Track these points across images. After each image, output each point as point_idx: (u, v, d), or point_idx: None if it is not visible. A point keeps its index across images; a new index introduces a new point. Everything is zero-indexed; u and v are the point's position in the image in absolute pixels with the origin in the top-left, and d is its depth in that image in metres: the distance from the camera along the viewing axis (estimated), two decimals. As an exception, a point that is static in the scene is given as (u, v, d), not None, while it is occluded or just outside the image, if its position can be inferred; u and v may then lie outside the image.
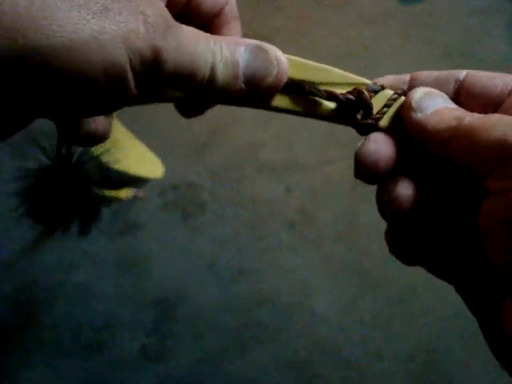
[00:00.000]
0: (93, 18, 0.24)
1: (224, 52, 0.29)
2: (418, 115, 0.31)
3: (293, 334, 1.03)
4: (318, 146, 1.23)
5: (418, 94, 0.32)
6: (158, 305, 1.05)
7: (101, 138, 0.31)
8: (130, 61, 0.25)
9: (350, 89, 0.33)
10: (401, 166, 0.32)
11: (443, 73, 0.33)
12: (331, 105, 0.33)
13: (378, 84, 0.34)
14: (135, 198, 1.13)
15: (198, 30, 0.29)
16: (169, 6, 0.31)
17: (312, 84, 0.33)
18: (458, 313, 1.02)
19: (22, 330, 1.02)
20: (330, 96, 0.33)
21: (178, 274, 1.08)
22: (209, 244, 1.12)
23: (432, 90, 0.32)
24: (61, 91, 0.25)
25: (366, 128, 0.33)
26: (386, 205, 0.32)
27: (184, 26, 0.28)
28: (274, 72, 0.31)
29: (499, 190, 0.26)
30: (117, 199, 1.11)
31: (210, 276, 1.08)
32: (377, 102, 0.33)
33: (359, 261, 1.09)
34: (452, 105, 0.32)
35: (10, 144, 1.11)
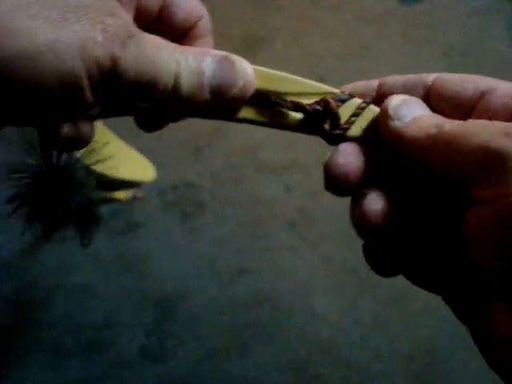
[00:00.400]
0: (48, 27, 0.24)
1: (190, 61, 0.29)
2: (396, 123, 0.30)
3: (293, 334, 1.03)
4: (318, 145, 1.23)
5: (395, 101, 0.31)
6: (157, 305, 1.05)
7: (82, 142, 0.31)
8: (86, 70, 0.25)
9: (317, 99, 0.33)
10: (372, 178, 0.31)
11: (411, 77, 0.33)
12: (298, 115, 0.33)
13: (346, 93, 0.33)
14: (135, 198, 1.13)
15: (164, 39, 0.29)
16: (139, 17, 0.31)
17: (279, 95, 0.32)
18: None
19: (22, 329, 1.02)
20: (297, 107, 0.32)
21: (178, 274, 1.08)
22: (208, 244, 1.12)
23: (409, 97, 0.31)
24: (15, 100, 0.25)
25: (335, 138, 0.33)
26: (357, 219, 0.31)
27: (148, 35, 0.28)
28: (240, 83, 0.30)
29: (486, 199, 0.25)
30: (116, 200, 1.11)
31: (209, 276, 1.08)
32: (345, 111, 0.32)
33: (359, 261, 1.09)
34: (430, 112, 0.31)
35: (4, 145, 1.11)
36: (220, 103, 0.30)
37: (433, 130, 0.28)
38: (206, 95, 0.29)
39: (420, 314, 1.04)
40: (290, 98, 0.33)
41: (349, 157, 0.31)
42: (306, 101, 0.33)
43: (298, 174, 1.20)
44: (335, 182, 0.31)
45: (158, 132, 0.38)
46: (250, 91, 0.31)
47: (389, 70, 1.59)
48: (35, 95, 0.25)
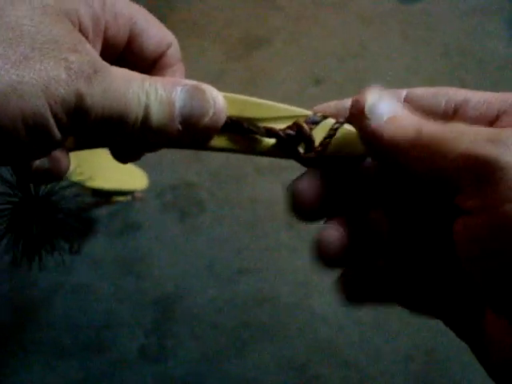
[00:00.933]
0: (11, 68, 0.24)
1: (159, 92, 0.29)
2: (373, 124, 0.29)
3: (292, 334, 1.03)
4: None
5: (371, 98, 0.29)
6: (157, 305, 1.05)
7: (57, 174, 0.30)
8: (51, 108, 0.25)
9: (290, 123, 0.33)
10: (337, 205, 0.31)
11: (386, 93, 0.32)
12: (272, 141, 0.33)
13: (319, 114, 0.33)
14: (134, 198, 1.13)
15: (132, 71, 0.29)
16: (107, 49, 0.31)
17: (251, 121, 0.32)
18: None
19: (21, 330, 1.02)
20: (270, 133, 0.32)
21: (177, 274, 1.08)
22: (208, 244, 1.12)
23: (383, 92, 0.30)
24: None
25: (310, 161, 0.33)
26: (315, 250, 0.31)
27: (115, 68, 0.28)
28: (211, 111, 0.30)
29: (475, 209, 0.24)
30: (115, 202, 1.11)
31: (209, 276, 1.08)
32: (319, 133, 0.32)
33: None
34: (406, 110, 0.30)
35: None
36: (191, 133, 0.30)
37: (411, 132, 0.27)
38: (177, 126, 0.29)
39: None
40: (262, 124, 0.32)
41: (304, 185, 0.31)
42: (278, 125, 0.32)
43: (298, 174, 1.20)
44: (294, 207, 0.31)
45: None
46: (222, 120, 0.31)
47: (388, 69, 1.59)
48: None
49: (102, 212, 1.13)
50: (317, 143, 0.32)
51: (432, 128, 0.27)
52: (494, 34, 1.49)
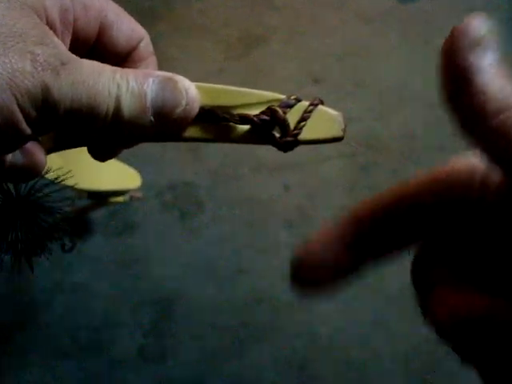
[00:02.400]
0: None
1: (131, 84, 0.28)
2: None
3: (291, 334, 1.03)
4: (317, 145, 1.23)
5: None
6: (156, 305, 1.05)
7: (32, 172, 0.30)
8: (17, 101, 0.25)
9: (263, 108, 0.32)
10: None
11: None
12: (246, 127, 0.32)
13: (293, 97, 0.32)
14: (132, 198, 1.13)
15: (102, 63, 0.28)
16: (77, 43, 0.30)
17: (225, 109, 0.32)
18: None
19: (20, 330, 1.02)
20: (244, 119, 0.32)
21: (176, 274, 1.08)
22: (207, 243, 1.12)
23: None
24: None
25: (286, 145, 0.32)
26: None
27: (85, 61, 0.27)
28: (183, 102, 0.30)
29: None
30: (113, 203, 1.11)
31: (208, 276, 1.08)
32: (294, 116, 0.32)
33: (358, 260, 1.09)
34: None
35: None
36: (164, 125, 0.29)
37: None
38: (149, 117, 0.29)
39: (420, 313, 1.04)
40: (236, 111, 0.32)
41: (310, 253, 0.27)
42: (252, 111, 0.32)
43: (297, 174, 1.20)
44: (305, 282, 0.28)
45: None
46: (195, 110, 0.30)
47: (387, 68, 1.59)
48: None
49: (100, 212, 1.13)
50: (292, 127, 0.32)
51: None
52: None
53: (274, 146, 0.33)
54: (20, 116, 0.25)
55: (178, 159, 1.22)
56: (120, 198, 1.10)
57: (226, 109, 0.32)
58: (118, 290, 1.06)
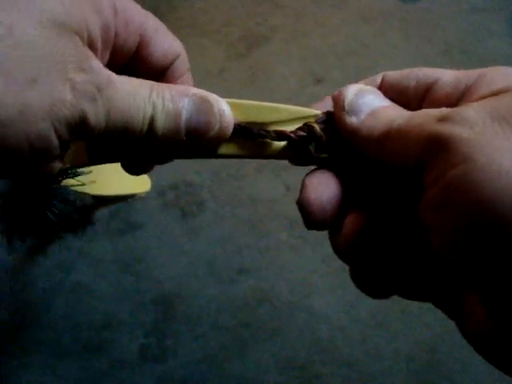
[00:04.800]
0: (19, 91, 0.24)
1: (166, 103, 0.29)
2: (353, 119, 0.30)
3: (293, 334, 1.03)
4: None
5: (350, 93, 0.31)
6: (157, 305, 1.05)
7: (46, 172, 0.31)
8: (56, 130, 0.25)
9: (299, 124, 0.32)
10: (349, 199, 0.31)
11: (365, 82, 0.33)
12: (282, 143, 0.32)
13: (326, 111, 0.32)
14: (134, 197, 1.13)
15: (139, 79, 0.29)
16: (116, 56, 0.31)
17: (260, 125, 0.32)
18: (458, 312, 1.01)
19: (21, 330, 1.02)
20: (281, 136, 0.32)
21: (178, 274, 1.08)
22: (208, 243, 1.12)
23: (364, 86, 0.31)
24: None
25: (322, 161, 0.32)
26: (345, 250, 0.31)
27: (121, 80, 0.28)
28: (217, 126, 0.30)
29: (433, 180, 0.25)
30: (116, 200, 1.11)
31: (209, 275, 1.08)
32: (328, 132, 0.32)
33: (359, 260, 1.09)
34: (385, 101, 0.31)
35: None
36: (197, 145, 0.30)
37: (384, 127, 0.28)
38: (183, 137, 0.29)
39: (420, 313, 1.04)
40: (271, 128, 0.32)
41: (319, 189, 0.31)
42: (287, 127, 0.32)
43: (299, 174, 1.19)
44: (313, 218, 0.31)
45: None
46: (228, 133, 0.31)
47: (389, 68, 1.58)
48: (4, 157, 0.25)
49: (102, 211, 1.13)
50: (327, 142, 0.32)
51: (401, 120, 0.28)
52: (495, 32, 1.49)
53: (309, 161, 0.33)
54: (56, 142, 0.26)
55: (180, 159, 1.22)
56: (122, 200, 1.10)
57: (261, 125, 0.32)
58: (119, 290, 1.06)
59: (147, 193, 1.15)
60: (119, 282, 1.07)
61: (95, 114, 0.26)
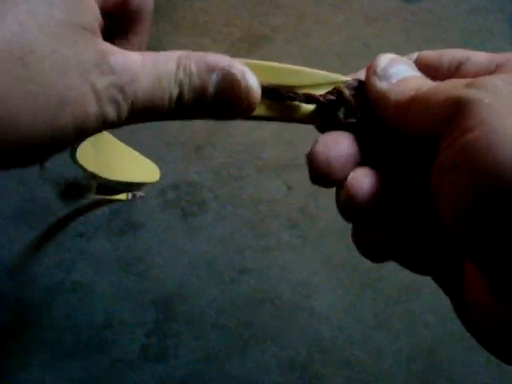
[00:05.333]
0: (52, 116, 0.25)
1: (193, 80, 0.29)
2: (383, 84, 0.31)
3: (294, 334, 1.02)
4: (319, 144, 1.22)
5: (384, 60, 0.32)
6: (158, 304, 1.05)
7: None
8: (80, 132, 0.27)
9: (329, 89, 0.32)
10: (361, 162, 0.31)
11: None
12: (310, 107, 0.32)
13: (357, 79, 0.33)
14: (135, 196, 1.13)
15: (166, 54, 0.29)
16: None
17: (289, 88, 0.32)
18: (459, 312, 1.01)
19: (21, 330, 1.02)
20: (310, 99, 0.32)
21: (179, 274, 1.08)
22: (209, 243, 1.12)
23: (397, 56, 0.32)
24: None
25: (350, 126, 0.32)
26: (343, 202, 0.31)
27: (145, 71, 0.28)
28: (244, 103, 0.30)
29: (448, 144, 0.25)
30: (117, 200, 1.11)
31: (210, 275, 1.08)
32: (357, 98, 0.33)
33: (360, 260, 1.09)
34: (416, 72, 0.31)
35: None
36: (223, 116, 0.31)
37: (412, 93, 0.29)
38: (209, 111, 0.30)
39: (422, 313, 1.04)
40: (301, 91, 0.32)
41: (329, 144, 0.31)
42: (317, 92, 0.32)
43: (300, 173, 1.20)
44: (318, 171, 0.31)
45: (158, 131, 0.38)
46: (254, 108, 0.31)
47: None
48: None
49: (103, 211, 1.13)
50: (356, 109, 0.32)
51: (429, 86, 0.28)
52: (496, 33, 1.49)
53: (336, 127, 0.32)
54: (77, 141, 0.27)
55: (181, 158, 1.22)
56: (123, 196, 1.10)
57: (289, 88, 0.32)
58: (120, 290, 1.06)
59: (147, 192, 1.15)
60: (120, 282, 1.07)
61: (118, 113, 0.27)
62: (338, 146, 0.31)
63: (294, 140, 1.23)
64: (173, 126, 1.22)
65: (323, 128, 0.34)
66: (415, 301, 1.04)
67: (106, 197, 1.05)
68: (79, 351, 1.00)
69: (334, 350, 1.01)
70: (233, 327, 1.03)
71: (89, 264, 1.09)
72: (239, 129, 1.26)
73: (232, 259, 1.10)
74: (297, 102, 0.32)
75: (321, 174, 0.31)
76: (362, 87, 0.32)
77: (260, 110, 0.32)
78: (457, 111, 0.25)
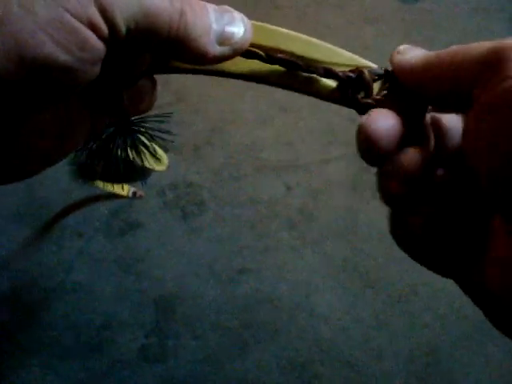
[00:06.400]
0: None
1: (193, 6, 0.29)
2: (405, 56, 0.32)
3: (293, 334, 1.02)
4: (319, 144, 1.23)
5: (403, 46, 0.34)
6: (157, 305, 1.05)
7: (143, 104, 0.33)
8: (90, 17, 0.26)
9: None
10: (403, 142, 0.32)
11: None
12: (330, 83, 0.32)
13: (383, 68, 0.33)
14: (134, 196, 1.13)
15: None
16: None
17: (311, 61, 0.32)
18: (458, 312, 1.01)
19: (21, 330, 1.02)
20: (329, 73, 0.32)
21: (178, 274, 1.08)
22: (208, 243, 1.12)
23: (415, 47, 0.34)
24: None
25: (366, 108, 0.32)
26: (393, 175, 0.31)
27: None
28: (242, 30, 0.32)
29: (483, 92, 0.25)
30: (117, 195, 1.11)
31: (209, 276, 1.08)
32: (378, 85, 0.33)
33: (360, 260, 1.09)
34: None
35: None
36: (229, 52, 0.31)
37: (442, 52, 0.31)
38: (213, 41, 0.31)
39: (421, 313, 1.04)
40: (321, 66, 0.33)
41: (380, 121, 0.31)
42: (339, 69, 0.33)
43: (299, 174, 1.20)
44: (368, 147, 0.31)
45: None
46: (248, 41, 0.32)
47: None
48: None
49: (102, 211, 1.13)
50: (374, 93, 0.32)
51: (450, 49, 0.30)
52: (497, 33, 1.49)
53: (352, 106, 0.33)
54: (90, 32, 0.26)
55: (180, 159, 1.22)
56: (124, 192, 1.09)
57: (313, 61, 0.33)
58: (120, 290, 1.06)
59: (147, 192, 1.15)
60: (119, 282, 1.07)
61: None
62: (386, 120, 0.31)
63: (294, 140, 1.23)
64: (172, 126, 1.21)
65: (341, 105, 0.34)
66: (415, 301, 1.04)
67: (109, 186, 1.05)
68: (79, 351, 1.00)
69: (333, 350, 1.01)
70: (232, 327, 1.03)
71: (88, 264, 1.09)
72: (238, 129, 1.26)
73: (231, 259, 1.10)
74: (316, 76, 0.32)
75: (371, 150, 0.31)
76: (386, 77, 0.33)
77: (282, 79, 0.33)
78: (495, 59, 0.26)
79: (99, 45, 0.26)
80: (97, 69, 0.28)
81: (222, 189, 1.19)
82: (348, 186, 1.17)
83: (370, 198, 1.14)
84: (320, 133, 1.23)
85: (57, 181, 1.13)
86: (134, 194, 1.12)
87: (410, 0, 1.55)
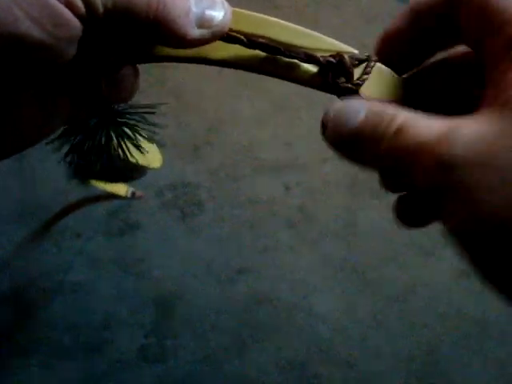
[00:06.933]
0: None
1: None
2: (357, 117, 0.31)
3: (292, 334, 1.03)
4: (317, 144, 1.22)
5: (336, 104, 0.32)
6: (156, 305, 1.05)
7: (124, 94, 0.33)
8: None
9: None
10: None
11: None
12: (311, 68, 0.33)
13: (365, 54, 0.33)
14: (133, 196, 1.13)
15: None
16: None
17: (292, 46, 0.33)
18: (458, 312, 1.01)
19: (20, 330, 1.02)
20: (310, 58, 0.32)
21: (177, 274, 1.08)
22: (207, 244, 1.12)
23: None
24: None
25: (346, 92, 0.32)
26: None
27: None
28: (223, 12, 0.32)
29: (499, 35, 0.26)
30: (115, 195, 1.10)
31: (208, 276, 1.08)
32: (358, 71, 0.32)
33: (358, 260, 1.09)
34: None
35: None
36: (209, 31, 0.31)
37: None
38: (192, 23, 0.30)
39: (420, 313, 1.04)
40: (303, 50, 0.33)
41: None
42: (320, 54, 0.33)
43: (298, 173, 1.20)
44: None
45: (156, 131, 0.38)
46: (228, 23, 0.32)
47: (388, 68, 1.58)
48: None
49: (101, 211, 1.13)
50: (355, 78, 0.32)
51: None
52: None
53: (331, 91, 0.33)
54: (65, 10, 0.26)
55: (179, 159, 1.22)
56: (122, 191, 1.09)
57: (293, 46, 0.32)
58: (119, 290, 1.06)
59: (146, 193, 1.15)
60: (119, 282, 1.07)
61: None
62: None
63: (292, 140, 1.23)
64: (170, 126, 1.22)
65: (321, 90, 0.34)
66: (414, 301, 1.05)
67: (105, 185, 1.04)
68: (78, 351, 1.00)
69: (332, 349, 1.01)
70: (231, 327, 1.03)
71: (87, 264, 1.09)
72: (237, 129, 1.26)
73: (230, 259, 1.10)
74: (297, 61, 0.32)
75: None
76: (367, 61, 0.33)
77: (260, 64, 0.32)
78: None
79: (75, 22, 0.26)
80: (73, 48, 0.28)
81: (220, 189, 1.19)
82: (347, 186, 1.17)
83: (368, 198, 1.14)
84: (318, 132, 1.23)
85: (56, 181, 1.13)
86: (133, 194, 1.12)
87: (407, 0, 1.55)
